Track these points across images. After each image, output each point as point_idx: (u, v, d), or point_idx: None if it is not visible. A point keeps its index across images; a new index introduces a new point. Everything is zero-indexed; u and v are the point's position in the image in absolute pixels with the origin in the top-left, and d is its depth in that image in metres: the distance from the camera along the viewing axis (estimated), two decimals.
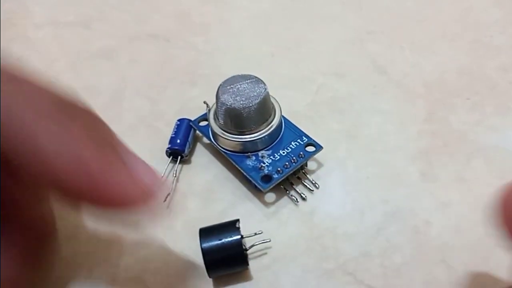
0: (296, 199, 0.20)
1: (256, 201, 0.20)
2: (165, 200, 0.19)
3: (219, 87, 0.20)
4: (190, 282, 0.18)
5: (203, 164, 0.22)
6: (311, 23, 0.29)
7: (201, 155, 0.22)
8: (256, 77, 0.20)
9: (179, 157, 0.21)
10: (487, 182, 0.20)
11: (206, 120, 0.21)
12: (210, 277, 0.17)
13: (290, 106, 0.23)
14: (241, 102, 0.19)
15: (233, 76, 0.20)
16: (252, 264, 0.18)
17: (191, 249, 0.18)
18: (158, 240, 0.19)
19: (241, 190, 0.21)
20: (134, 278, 0.18)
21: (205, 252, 0.17)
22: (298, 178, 0.21)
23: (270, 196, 0.20)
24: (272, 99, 0.21)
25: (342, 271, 0.18)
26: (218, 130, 0.20)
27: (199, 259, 0.17)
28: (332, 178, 0.21)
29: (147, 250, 0.19)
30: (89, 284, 0.18)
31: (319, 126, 0.23)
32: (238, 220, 0.18)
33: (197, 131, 0.22)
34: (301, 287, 0.18)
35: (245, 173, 0.20)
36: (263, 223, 0.19)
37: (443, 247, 0.18)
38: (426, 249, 0.18)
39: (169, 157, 0.21)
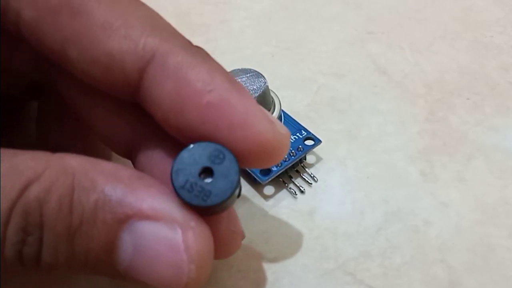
0: (295, 192, 0.20)
1: (256, 202, 0.20)
2: None
3: None
4: None
5: None
6: (311, 23, 0.29)
7: None
8: (256, 71, 0.20)
9: None
10: (487, 182, 0.20)
11: None
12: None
13: (290, 106, 0.23)
14: None
15: (233, 70, 0.21)
16: (252, 264, 0.18)
17: None
18: None
19: (241, 190, 0.21)
20: None
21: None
22: (297, 171, 0.21)
23: (269, 189, 0.21)
24: (272, 93, 0.21)
25: (342, 271, 0.18)
26: None
27: None
28: (332, 178, 0.21)
29: None
30: (89, 282, 0.18)
31: (319, 126, 0.23)
32: None
33: None
34: (301, 287, 0.18)
35: None
36: (263, 223, 0.20)
37: (443, 247, 0.18)
38: (426, 249, 0.18)
39: None
